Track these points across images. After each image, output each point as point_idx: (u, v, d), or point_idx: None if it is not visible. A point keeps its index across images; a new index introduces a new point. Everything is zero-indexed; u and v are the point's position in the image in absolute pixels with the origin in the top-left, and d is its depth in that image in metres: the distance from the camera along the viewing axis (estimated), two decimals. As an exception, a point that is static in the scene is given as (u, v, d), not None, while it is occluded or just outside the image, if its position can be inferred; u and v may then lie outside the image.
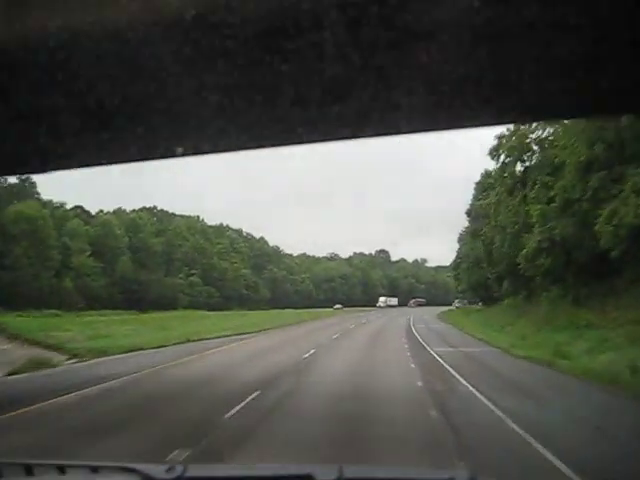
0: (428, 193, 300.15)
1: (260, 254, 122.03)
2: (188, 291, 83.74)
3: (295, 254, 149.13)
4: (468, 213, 66.01)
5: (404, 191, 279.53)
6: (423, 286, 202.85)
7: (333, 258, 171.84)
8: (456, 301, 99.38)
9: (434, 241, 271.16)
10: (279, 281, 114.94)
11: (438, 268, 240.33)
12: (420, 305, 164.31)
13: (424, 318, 62.04)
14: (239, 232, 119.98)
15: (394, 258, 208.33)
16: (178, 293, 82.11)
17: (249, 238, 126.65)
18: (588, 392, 13.66)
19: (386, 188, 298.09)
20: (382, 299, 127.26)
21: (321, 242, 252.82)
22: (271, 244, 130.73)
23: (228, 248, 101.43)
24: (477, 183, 62.02)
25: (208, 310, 76.21)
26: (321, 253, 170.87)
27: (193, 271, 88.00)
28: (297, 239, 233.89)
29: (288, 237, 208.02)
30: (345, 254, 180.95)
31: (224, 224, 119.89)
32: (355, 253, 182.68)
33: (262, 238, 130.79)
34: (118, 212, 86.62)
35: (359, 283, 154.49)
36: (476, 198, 64.96)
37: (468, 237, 67.32)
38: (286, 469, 1.87)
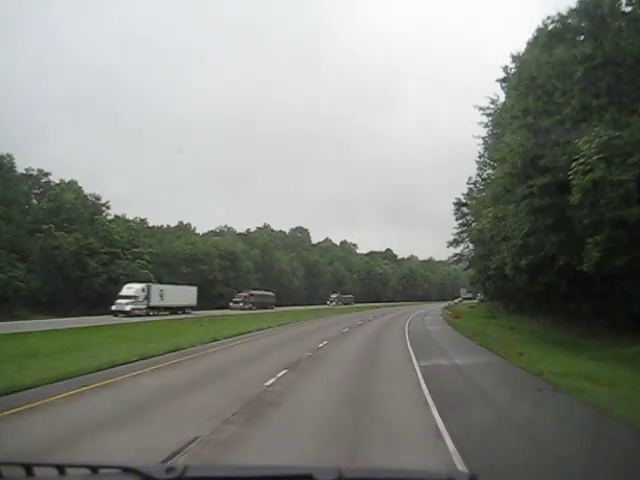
0: (361, 177, 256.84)
1: (52, 208, 62.06)
2: None
3: (163, 225, 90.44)
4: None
5: (335, 172, 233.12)
6: (355, 275, 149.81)
7: (224, 233, 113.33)
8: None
9: (365, 227, 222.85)
10: (68, 255, 55.06)
11: (372, 254, 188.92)
12: (347, 304, 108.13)
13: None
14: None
15: (316, 240, 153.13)
16: None
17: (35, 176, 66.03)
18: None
19: (317, 168, 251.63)
20: (129, 288, 52.39)
21: (218, 216, 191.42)
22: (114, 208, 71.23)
23: None
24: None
25: None
26: (209, 227, 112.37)
27: None
28: (185, 211, 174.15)
29: (171, 208, 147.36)
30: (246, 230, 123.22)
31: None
32: (258, 228, 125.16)
33: (73, 184, 70.25)
34: None
35: (258, 268, 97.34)
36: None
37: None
38: (286, 470, 1.78)
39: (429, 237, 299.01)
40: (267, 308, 76.54)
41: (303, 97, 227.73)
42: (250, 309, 71.62)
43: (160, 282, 61.85)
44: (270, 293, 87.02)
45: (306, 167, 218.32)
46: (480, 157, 53.30)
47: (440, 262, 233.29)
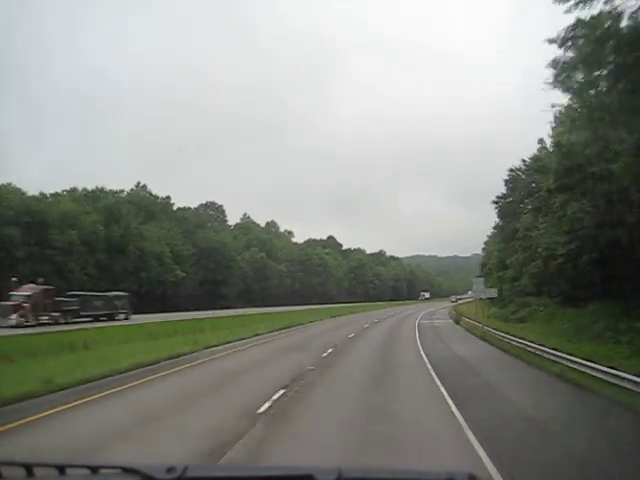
0: (303, 166, 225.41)
1: None
2: None
3: None
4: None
5: (273, 160, 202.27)
6: (284, 266, 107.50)
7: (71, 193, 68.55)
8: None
9: (305, 218, 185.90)
10: None
11: (311, 242, 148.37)
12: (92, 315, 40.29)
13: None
14: None
15: (233, 219, 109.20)
16: None
17: None
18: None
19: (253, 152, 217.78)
20: None
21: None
22: None
23: None
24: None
25: None
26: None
27: None
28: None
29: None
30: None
31: None
32: (132, 189, 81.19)
33: None
34: None
35: (99, 245, 54.29)
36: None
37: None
38: (286, 469, 1.75)
39: (378, 230, 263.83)
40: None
41: (246, 86, 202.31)
42: None
43: None
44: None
45: (241, 150, 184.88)
46: None
47: (392, 257, 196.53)
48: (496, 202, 37.76)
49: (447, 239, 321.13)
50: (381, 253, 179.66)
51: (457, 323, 31.94)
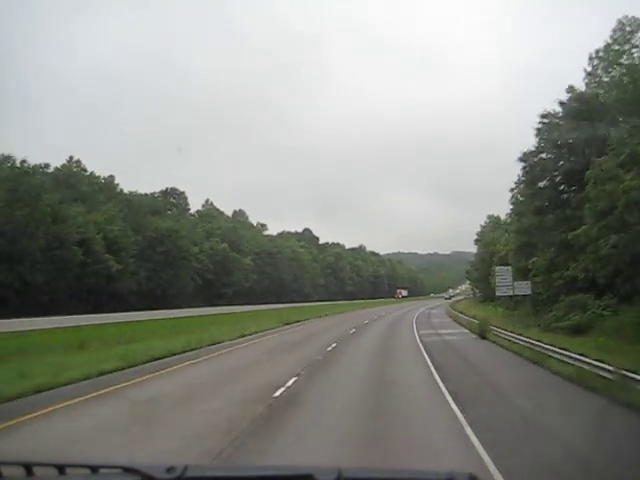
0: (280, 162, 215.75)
1: None
2: None
3: None
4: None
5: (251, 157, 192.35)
6: (250, 259, 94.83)
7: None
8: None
9: (282, 213, 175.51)
10: None
11: (285, 235, 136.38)
12: None
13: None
14: None
15: (196, 207, 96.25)
16: None
17: None
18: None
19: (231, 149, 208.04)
20: None
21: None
22: None
23: None
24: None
25: None
26: None
27: None
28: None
29: None
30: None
31: None
32: (64, 165, 68.04)
33: None
34: None
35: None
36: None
37: None
38: (286, 469, 1.72)
39: (358, 227, 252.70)
40: None
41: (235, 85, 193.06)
42: None
43: None
44: None
45: (224, 147, 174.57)
46: None
47: (372, 253, 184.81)
48: (523, 160, 26.52)
49: (428, 237, 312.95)
50: (361, 248, 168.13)
51: (483, 337, 20.54)
